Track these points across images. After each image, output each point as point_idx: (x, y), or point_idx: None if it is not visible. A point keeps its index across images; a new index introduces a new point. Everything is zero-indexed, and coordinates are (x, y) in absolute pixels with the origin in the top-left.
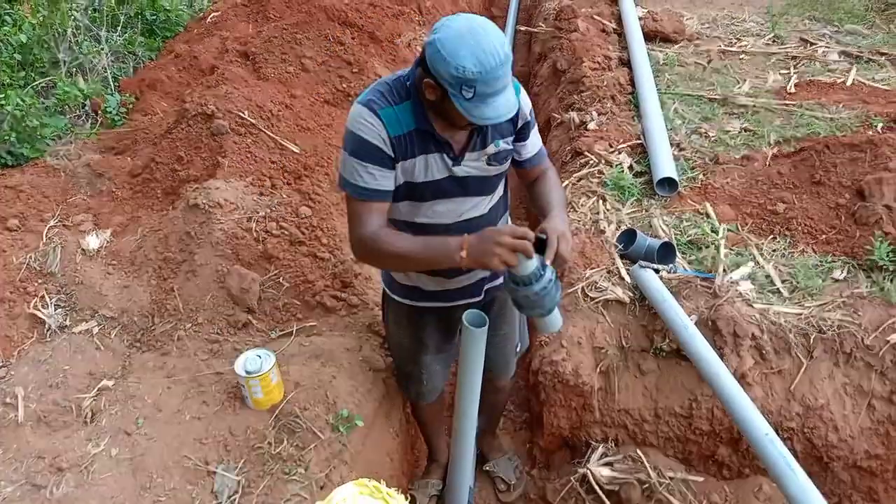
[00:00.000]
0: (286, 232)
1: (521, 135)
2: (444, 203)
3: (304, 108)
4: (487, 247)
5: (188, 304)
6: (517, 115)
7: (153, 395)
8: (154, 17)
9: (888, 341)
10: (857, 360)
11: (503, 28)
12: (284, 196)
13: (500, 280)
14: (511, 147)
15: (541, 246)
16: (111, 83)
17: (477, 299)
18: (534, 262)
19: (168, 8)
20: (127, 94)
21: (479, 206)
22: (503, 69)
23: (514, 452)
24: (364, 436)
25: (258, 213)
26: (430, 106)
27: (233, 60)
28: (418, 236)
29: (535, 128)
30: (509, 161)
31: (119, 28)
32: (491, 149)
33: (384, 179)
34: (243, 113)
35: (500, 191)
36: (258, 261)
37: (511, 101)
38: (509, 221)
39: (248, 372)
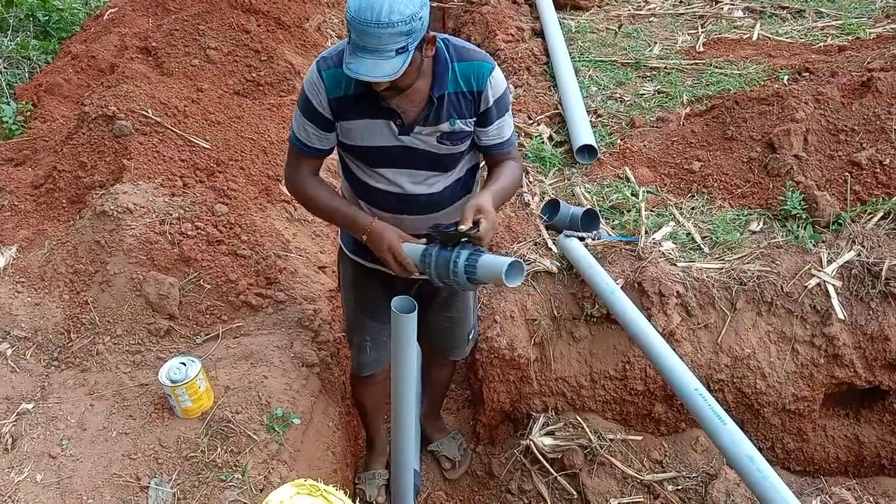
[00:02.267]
0: (203, 232)
1: (481, 119)
2: (390, 171)
3: (213, 102)
4: (381, 249)
5: (105, 317)
6: (479, 97)
7: (76, 414)
8: (47, 18)
9: (806, 287)
10: (779, 308)
11: None
12: (198, 195)
13: None
14: (470, 129)
15: (451, 236)
16: (6, 91)
17: (424, 277)
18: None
19: (61, 7)
20: (23, 102)
21: (430, 182)
22: (375, 29)
23: (458, 431)
24: (302, 433)
25: (171, 214)
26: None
27: (133, 57)
28: (335, 199)
29: (507, 118)
30: (466, 143)
31: (10, 32)
32: (445, 126)
33: (317, 139)
34: (147, 111)
35: (457, 172)
36: (175, 264)
37: (384, 68)
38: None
39: (172, 381)
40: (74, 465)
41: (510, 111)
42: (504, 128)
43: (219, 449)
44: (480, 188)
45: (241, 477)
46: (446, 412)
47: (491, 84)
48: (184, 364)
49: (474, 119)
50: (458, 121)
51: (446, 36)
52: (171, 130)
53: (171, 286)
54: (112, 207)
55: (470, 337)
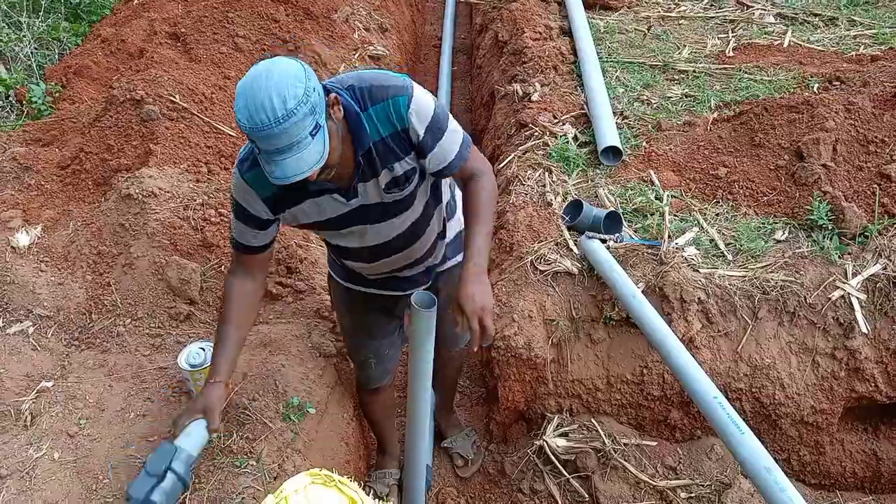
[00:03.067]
0: (226, 219)
1: (419, 151)
2: (354, 230)
3: None
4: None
5: (126, 299)
6: (406, 133)
7: (95, 394)
8: (78, 1)
9: (829, 298)
10: (801, 319)
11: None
12: (222, 182)
13: (449, 263)
14: (412, 166)
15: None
16: (36, 72)
17: (426, 286)
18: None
19: None
20: (53, 83)
21: (396, 224)
22: (280, 126)
23: (472, 428)
24: (317, 423)
25: (195, 200)
26: None
27: (162, 42)
28: (223, 328)
29: (447, 136)
30: (415, 180)
31: (41, 13)
32: (384, 175)
33: (254, 238)
34: (174, 97)
35: (420, 201)
36: (198, 250)
37: (306, 160)
38: (447, 225)
39: (192, 365)
40: (92, 444)
41: (450, 126)
42: (447, 147)
43: (234, 435)
44: (466, 246)
45: (255, 464)
46: (460, 409)
47: (413, 115)
48: (203, 349)
49: (413, 154)
50: (395, 164)
51: (354, 79)
52: (198, 117)
53: (193, 271)
54: (137, 191)
55: None
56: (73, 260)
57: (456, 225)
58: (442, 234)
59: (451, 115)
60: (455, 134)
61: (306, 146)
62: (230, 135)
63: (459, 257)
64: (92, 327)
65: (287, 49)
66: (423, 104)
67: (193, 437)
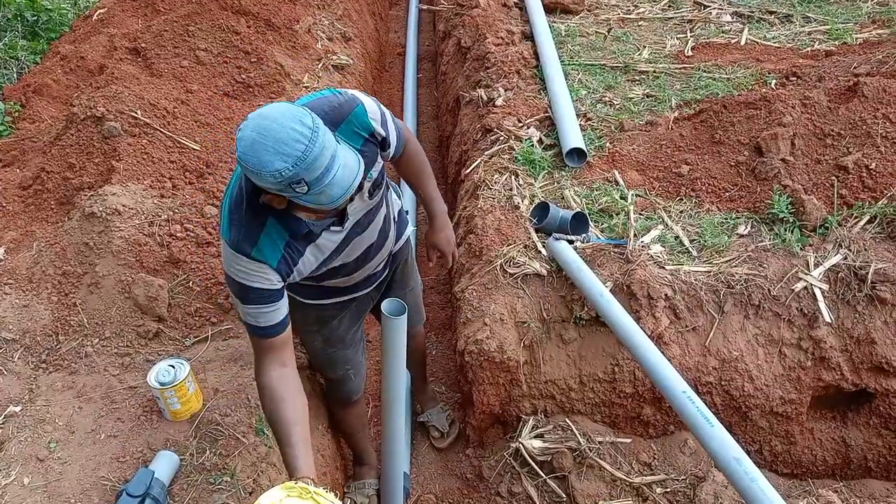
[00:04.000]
0: (192, 233)
1: (384, 145)
2: (343, 253)
3: (202, 103)
4: None
5: (93, 319)
6: (373, 136)
7: (64, 416)
8: (35, 19)
9: (793, 290)
10: (766, 311)
11: (407, 8)
12: (187, 196)
13: (401, 241)
14: (381, 162)
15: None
16: None
17: (384, 276)
18: None
19: (50, 7)
20: (11, 102)
21: (375, 225)
22: (317, 144)
23: (446, 403)
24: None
25: (160, 216)
26: (289, 207)
27: (122, 58)
28: (291, 432)
29: (390, 121)
30: (383, 173)
31: None
32: (366, 185)
33: (276, 315)
34: (136, 112)
35: (383, 199)
36: (164, 266)
37: (350, 164)
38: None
39: (161, 383)
40: (62, 467)
41: (386, 112)
42: (395, 133)
43: (208, 452)
44: (426, 203)
45: (230, 480)
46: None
47: (373, 120)
48: (172, 366)
49: (378, 150)
50: (373, 171)
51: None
52: (161, 132)
53: (160, 288)
54: (101, 209)
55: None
56: (37, 281)
57: (395, 203)
58: (390, 216)
59: (383, 106)
60: (391, 116)
61: (343, 152)
62: (193, 149)
63: (407, 232)
64: (59, 349)
65: (250, 60)
66: (372, 107)
67: (165, 464)
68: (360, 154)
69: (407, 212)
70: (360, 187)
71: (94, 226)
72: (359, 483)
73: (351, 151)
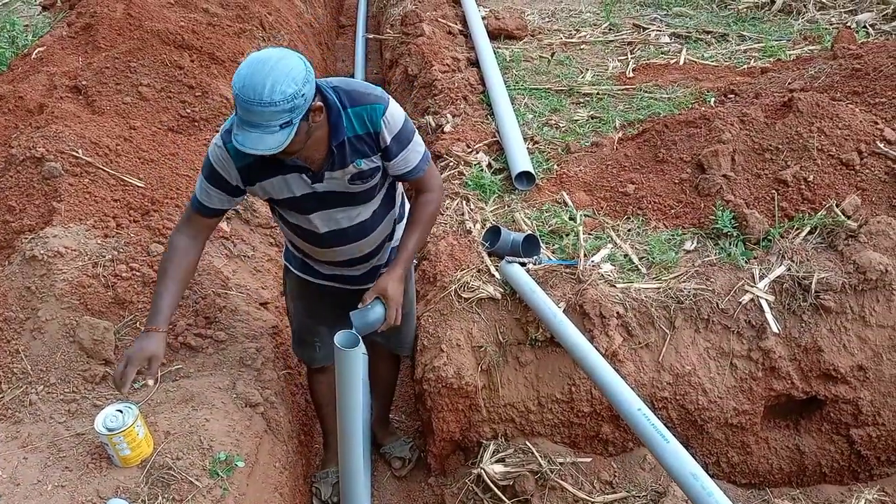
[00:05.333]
0: (138, 273)
1: (384, 155)
2: (314, 215)
3: (146, 140)
4: (128, 352)
5: (37, 365)
6: (377, 136)
7: (9, 468)
8: None
9: (740, 302)
10: (715, 324)
11: (353, 37)
12: (132, 235)
13: None
14: (377, 164)
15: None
16: None
17: (360, 281)
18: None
19: None
20: None
21: (352, 216)
22: (258, 108)
23: (407, 436)
24: (247, 476)
25: (104, 256)
26: None
27: (63, 97)
28: (164, 280)
29: (411, 147)
30: (377, 177)
31: None
32: (351, 168)
33: (219, 201)
34: (77, 152)
35: (378, 199)
36: (110, 308)
37: (267, 142)
38: (396, 228)
39: (109, 429)
40: None
41: (415, 139)
42: (409, 157)
43: (160, 497)
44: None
45: None
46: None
47: (386, 123)
48: (120, 411)
49: (378, 155)
50: (362, 161)
51: (339, 82)
52: (103, 170)
53: (106, 330)
54: (42, 252)
55: (415, 331)
56: None
57: (402, 231)
58: (390, 237)
59: (417, 133)
60: (418, 147)
61: (271, 132)
62: (138, 186)
63: None
64: (2, 398)
65: (194, 94)
66: (396, 116)
67: None
68: (357, 139)
69: None
70: (333, 164)
71: (36, 269)
72: (322, 473)
73: (282, 139)
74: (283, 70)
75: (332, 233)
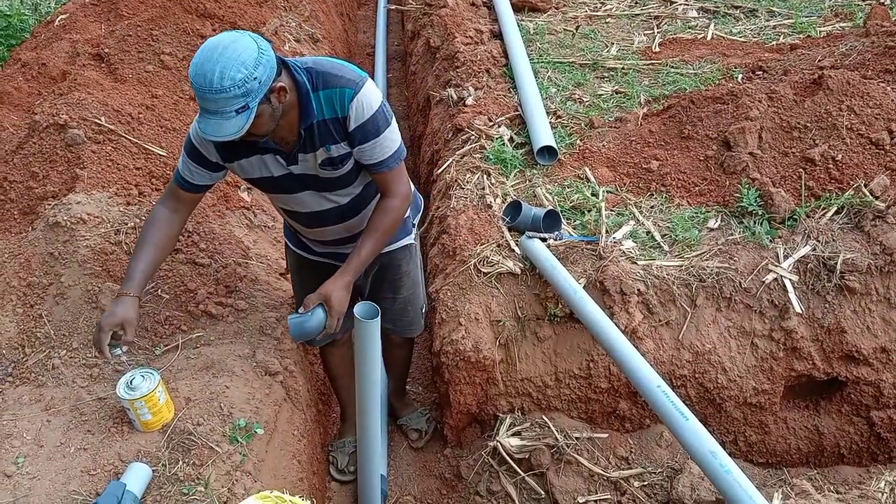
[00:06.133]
0: None
1: (350, 141)
2: (291, 196)
3: (168, 108)
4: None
5: (60, 330)
6: (344, 121)
7: (32, 430)
8: None
9: (763, 282)
10: (737, 304)
11: (375, 8)
12: (154, 203)
13: (390, 247)
14: (347, 151)
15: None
16: None
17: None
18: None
19: (9, 14)
20: None
21: (333, 198)
22: (211, 95)
23: (425, 407)
24: (266, 443)
25: (126, 224)
26: None
27: (86, 64)
28: (140, 248)
29: (380, 140)
30: (349, 164)
31: None
32: (321, 153)
33: (200, 177)
34: (100, 119)
35: (359, 183)
36: None
37: (226, 128)
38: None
39: (130, 395)
40: (31, 483)
41: (387, 133)
42: (376, 149)
43: (180, 462)
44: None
45: (203, 490)
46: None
47: (354, 108)
48: (142, 377)
49: (346, 141)
50: (332, 146)
51: (313, 62)
52: (125, 138)
53: None
54: (65, 218)
55: (423, 311)
56: (1, 293)
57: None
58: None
59: (394, 128)
60: (388, 142)
61: (229, 118)
62: (160, 154)
63: (402, 241)
64: (26, 361)
65: None
66: (367, 103)
67: (137, 476)
68: (325, 124)
69: (414, 224)
70: (305, 147)
71: (59, 235)
72: (339, 442)
73: (240, 123)
74: (231, 55)
75: (314, 214)
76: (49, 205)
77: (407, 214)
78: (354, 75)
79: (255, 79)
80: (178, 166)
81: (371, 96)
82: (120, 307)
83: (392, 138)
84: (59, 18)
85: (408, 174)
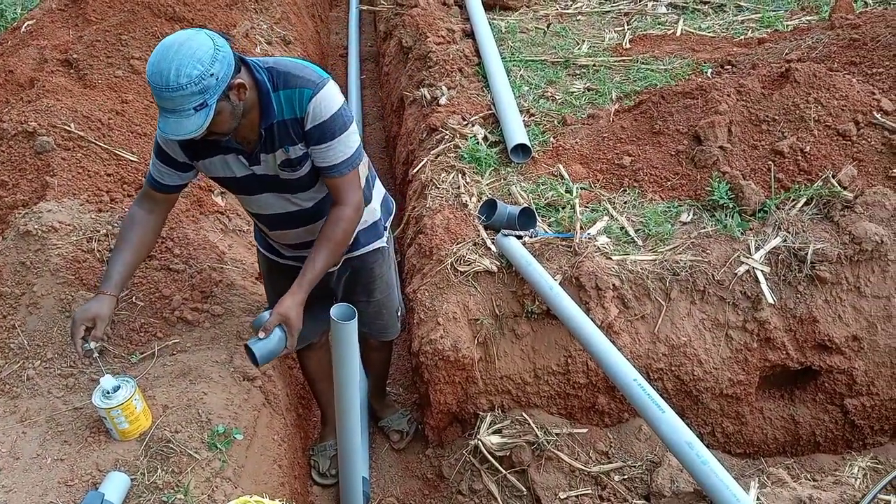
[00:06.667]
0: None
1: (308, 140)
2: (255, 197)
3: (139, 113)
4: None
5: (34, 340)
6: (302, 121)
7: (8, 442)
8: None
9: (736, 274)
10: (711, 296)
11: (347, 9)
12: (126, 209)
13: (361, 250)
14: (305, 152)
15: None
16: None
17: (334, 268)
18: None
19: None
20: None
21: (296, 201)
22: (167, 93)
23: (405, 408)
24: (245, 448)
25: (98, 231)
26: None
27: (54, 70)
28: (118, 249)
29: (335, 144)
30: (307, 167)
31: None
32: (280, 154)
33: (170, 178)
34: (69, 126)
35: (318, 191)
36: None
37: (184, 127)
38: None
39: (106, 403)
40: (7, 496)
41: (344, 137)
42: (330, 152)
43: (159, 470)
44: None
45: (183, 497)
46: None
47: (311, 108)
48: (118, 385)
49: (304, 142)
50: (290, 147)
51: (274, 62)
52: (96, 144)
53: None
54: (36, 227)
55: (399, 314)
56: None
57: (370, 215)
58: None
59: (352, 133)
60: (343, 147)
61: (188, 116)
62: (132, 160)
63: (373, 245)
64: (0, 373)
65: None
66: (326, 104)
67: (116, 486)
68: (284, 124)
69: (386, 227)
70: (265, 147)
71: (30, 244)
72: (321, 446)
73: (199, 122)
74: (187, 53)
75: (276, 216)
76: (19, 213)
77: (378, 217)
78: (315, 76)
79: (211, 75)
80: (150, 170)
81: (331, 98)
82: (94, 303)
83: (347, 143)
84: (25, 24)
85: (378, 179)
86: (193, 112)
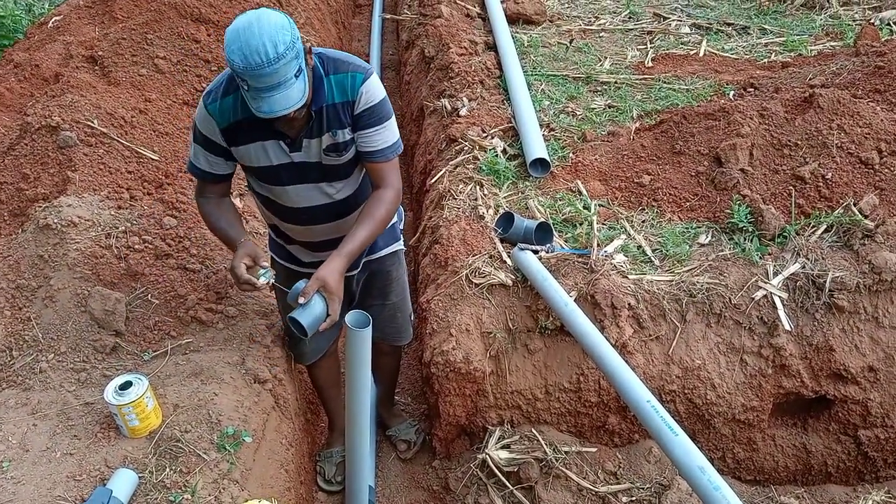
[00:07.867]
0: (150, 245)
1: (354, 125)
2: (289, 188)
3: (161, 112)
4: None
5: (48, 333)
6: (352, 105)
7: (18, 434)
8: None
9: (753, 298)
10: (727, 319)
11: (370, 17)
12: (145, 207)
13: (380, 253)
14: (351, 137)
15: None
16: None
17: (354, 272)
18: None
19: (2, 14)
20: None
21: (329, 192)
22: (271, 67)
23: (413, 418)
24: (253, 451)
25: (117, 227)
26: None
27: (79, 66)
28: (221, 220)
29: (382, 129)
30: (351, 152)
31: None
32: (327, 138)
33: (215, 166)
34: (93, 122)
35: (356, 178)
36: (122, 279)
37: (292, 97)
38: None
39: (118, 400)
40: (16, 487)
41: (389, 123)
42: (377, 136)
43: (167, 469)
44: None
45: (190, 497)
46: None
47: (363, 92)
48: (130, 382)
49: (351, 126)
50: (338, 131)
51: (322, 50)
52: (118, 141)
53: (118, 301)
54: (56, 221)
55: (411, 319)
56: None
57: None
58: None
59: (395, 121)
60: (388, 133)
61: (291, 85)
62: (152, 159)
63: (391, 248)
64: (13, 365)
65: (210, 69)
66: (375, 90)
67: (123, 482)
68: (334, 108)
69: (401, 230)
70: (311, 131)
71: (49, 238)
72: (327, 452)
73: (302, 87)
74: (270, 25)
75: (306, 210)
76: (40, 207)
77: (394, 220)
78: (363, 63)
79: (297, 38)
80: (190, 159)
81: (378, 85)
82: (241, 249)
83: (393, 130)
84: (52, 20)
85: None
86: (295, 79)
